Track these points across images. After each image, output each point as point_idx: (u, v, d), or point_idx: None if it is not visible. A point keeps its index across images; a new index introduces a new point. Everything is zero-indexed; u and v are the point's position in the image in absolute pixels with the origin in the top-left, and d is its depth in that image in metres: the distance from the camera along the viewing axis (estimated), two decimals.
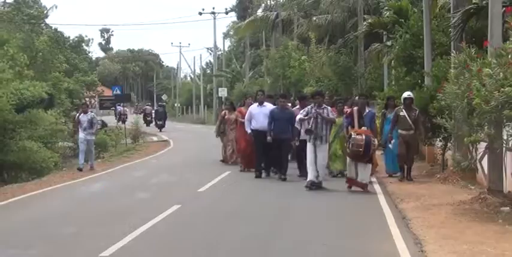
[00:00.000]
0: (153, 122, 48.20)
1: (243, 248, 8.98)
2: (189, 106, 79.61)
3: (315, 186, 14.15)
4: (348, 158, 14.24)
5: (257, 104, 17.18)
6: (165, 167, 21.05)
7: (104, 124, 39.03)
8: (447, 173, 15.76)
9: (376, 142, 14.02)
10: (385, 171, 16.74)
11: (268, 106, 16.83)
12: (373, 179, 15.43)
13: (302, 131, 14.78)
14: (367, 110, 14.61)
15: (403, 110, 15.50)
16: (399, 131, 15.54)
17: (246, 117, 17.24)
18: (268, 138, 15.92)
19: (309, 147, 14.29)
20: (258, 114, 16.75)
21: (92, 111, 21.59)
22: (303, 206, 12.61)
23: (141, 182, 16.77)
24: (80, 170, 19.57)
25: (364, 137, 13.53)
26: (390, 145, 15.90)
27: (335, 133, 15.75)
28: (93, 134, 20.18)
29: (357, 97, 17.45)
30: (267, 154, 16.53)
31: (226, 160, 20.20)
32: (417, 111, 15.52)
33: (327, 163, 15.20)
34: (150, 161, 23.86)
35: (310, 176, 14.21)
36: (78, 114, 20.66)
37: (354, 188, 14.01)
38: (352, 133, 13.71)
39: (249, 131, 17.00)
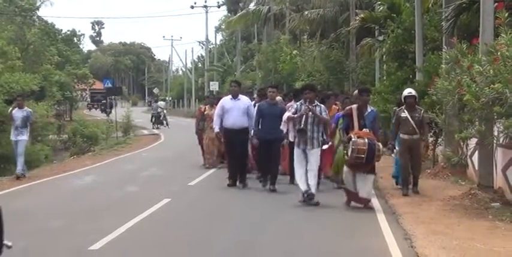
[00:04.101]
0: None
1: (233, 242, 8.96)
2: (181, 100, 79.66)
3: (309, 198, 11.66)
4: (344, 167, 11.75)
5: (230, 96, 14.33)
6: (155, 160, 21.03)
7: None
8: (438, 169, 15.79)
9: (381, 146, 11.54)
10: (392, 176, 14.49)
11: (243, 99, 14.29)
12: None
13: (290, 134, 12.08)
14: (368, 110, 11.82)
15: (405, 110, 13.13)
16: (400, 135, 13.16)
17: (216, 111, 14.40)
18: (255, 141, 13.61)
19: (297, 154, 11.89)
20: (232, 110, 13.96)
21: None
22: (293, 201, 12.54)
23: (132, 176, 16.75)
24: (19, 177, 16.27)
25: (366, 140, 11.20)
26: (393, 155, 13.93)
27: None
28: (26, 134, 16.39)
29: (355, 92, 13.62)
30: (241, 159, 14.14)
31: (208, 162, 17.96)
32: (422, 112, 13.18)
33: (333, 171, 13.70)
34: (140, 155, 23.83)
35: (303, 189, 11.76)
36: (11, 108, 16.85)
37: (353, 203, 11.69)
38: (352, 136, 11.33)
39: (216, 129, 14.21)
